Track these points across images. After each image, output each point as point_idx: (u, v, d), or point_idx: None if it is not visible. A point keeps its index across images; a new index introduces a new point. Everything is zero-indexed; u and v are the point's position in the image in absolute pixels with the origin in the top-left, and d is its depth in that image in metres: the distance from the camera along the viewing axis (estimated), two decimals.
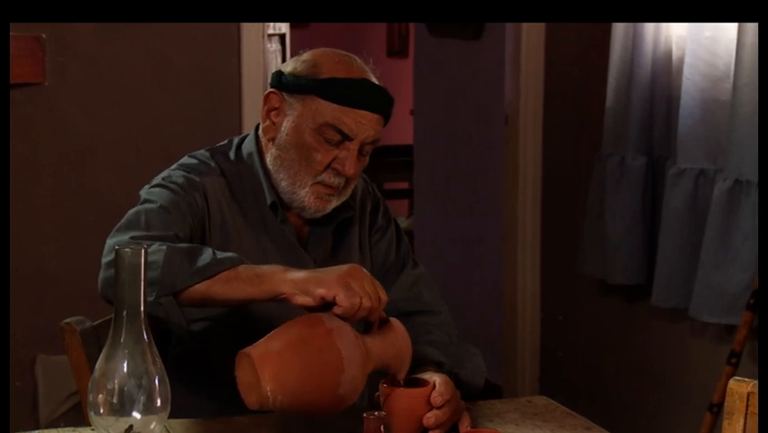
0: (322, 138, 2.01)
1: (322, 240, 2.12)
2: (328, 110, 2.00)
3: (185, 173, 2.04)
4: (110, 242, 1.90)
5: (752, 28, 2.94)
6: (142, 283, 1.50)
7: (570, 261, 3.81)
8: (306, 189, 2.04)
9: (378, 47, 8.13)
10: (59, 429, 1.91)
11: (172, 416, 1.58)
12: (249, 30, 3.69)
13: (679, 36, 3.31)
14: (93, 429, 1.52)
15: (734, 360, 2.93)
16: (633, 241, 3.44)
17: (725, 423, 1.58)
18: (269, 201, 2.07)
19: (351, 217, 2.16)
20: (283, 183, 2.05)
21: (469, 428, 1.90)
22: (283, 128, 2.05)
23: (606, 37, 3.48)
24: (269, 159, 2.08)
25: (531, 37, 4.03)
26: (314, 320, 1.74)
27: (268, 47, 3.91)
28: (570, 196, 3.94)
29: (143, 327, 1.50)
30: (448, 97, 5.02)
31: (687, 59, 3.18)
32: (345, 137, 2.01)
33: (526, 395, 3.64)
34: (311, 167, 2.02)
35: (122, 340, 1.49)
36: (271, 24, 4.01)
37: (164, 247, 1.80)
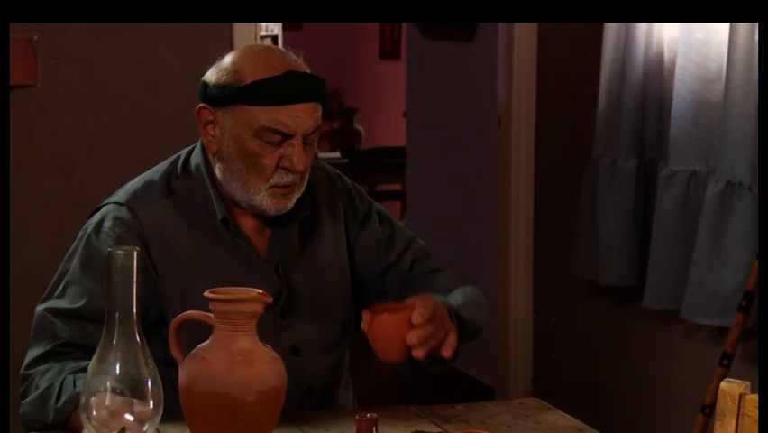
0: (263, 142, 1.97)
1: (283, 241, 2.09)
2: (261, 114, 1.96)
3: (117, 212, 2.03)
4: (23, 364, 1.99)
5: (743, 30, 2.95)
6: (134, 285, 1.49)
7: (562, 262, 3.82)
8: (262, 194, 2.00)
9: (370, 49, 8.13)
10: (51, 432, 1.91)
11: (165, 418, 1.58)
12: (241, 31, 3.68)
13: (670, 38, 3.32)
14: (86, 432, 1.52)
15: (725, 361, 2.93)
16: (625, 243, 3.45)
17: (716, 425, 1.58)
18: (219, 216, 2.04)
19: (316, 216, 2.13)
20: (237, 193, 2.02)
21: (450, 352, 1.90)
22: (222, 140, 2.01)
23: (598, 39, 3.49)
24: (217, 172, 2.04)
25: (523, 39, 4.04)
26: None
27: None
28: (562, 197, 3.94)
29: (136, 330, 1.50)
30: (440, 99, 5.02)
31: (679, 61, 3.18)
32: (285, 136, 1.97)
33: (519, 397, 3.64)
34: (261, 172, 1.99)
35: (114, 342, 1.49)
36: (264, 26, 4.01)
37: (39, 391, 1.91)
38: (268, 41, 4.17)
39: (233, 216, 2.06)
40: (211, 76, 2.03)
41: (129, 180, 2.15)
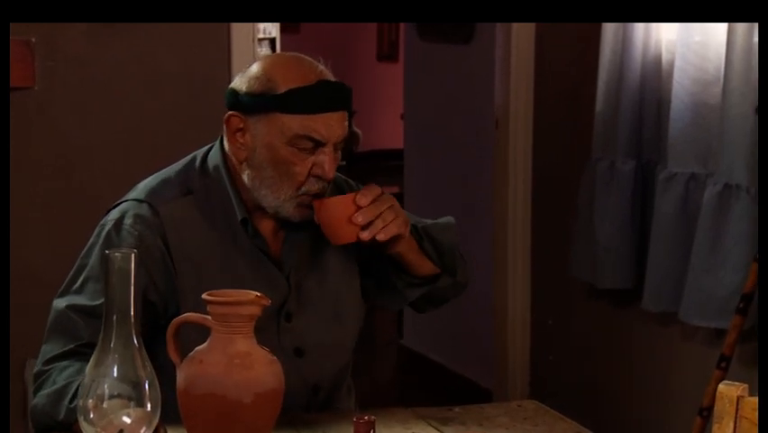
0: (296, 149, 2.00)
1: (296, 244, 2.10)
2: (295, 122, 1.98)
3: (137, 209, 2.03)
4: (39, 360, 1.98)
5: (741, 32, 2.95)
6: (132, 288, 1.49)
7: (560, 265, 3.82)
8: (291, 202, 2.02)
9: (368, 51, 8.13)
10: None
11: (163, 420, 1.58)
12: (239, 33, 3.69)
13: (668, 40, 3.32)
14: None
15: (723, 364, 2.93)
16: (622, 245, 3.45)
17: (714, 427, 1.58)
18: (239, 217, 2.05)
19: None
20: (266, 199, 2.03)
21: (385, 236, 1.96)
22: (254, 148, 2.02)
23: (596, 41, 3.49)
24: (245, 178, 2.05)
25: (521, 41, 4.04)
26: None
27: (258, 51, 3.91)
28: (560, 199, 3.94)
29: (133, 332, 1.50)
30: (438, 101, 5.02)
31: (677, 63, 3.19)
32: (318, 143, 2.00)
33: (517, 399, 3.64)
34: (293, 179, 2.01)
35: (111, 345, 1.49)
36: (262, 28, 4.01)
37: (56, 387, 1.91)
38: (266, 44, 4.17)
39: (252, 219, 2.07)
40: (241, 84, 2.04)
41: (131, 180, 2.16)
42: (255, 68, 2.04)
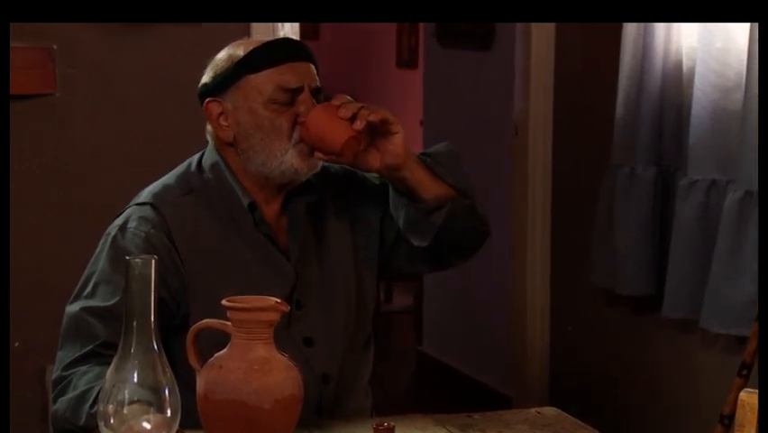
0: (276, 105, 2.05)
1: (300, 231, 2.12)
2: (266, 79, 2.05)
3: (141, 212, 2.07)
4: (56, 366, 1.99)
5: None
6: (153, 293, 1.50)
7: (580, 271, 3.81)
8: (289, 154, 2.05)
9: (387, 58, 8.13)
10: None
11: (185, 425, 1.59)
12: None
13: (689, 47, 3.31)
14: None
15: (744, 371, 2.92)
16: (642, 252, 3.44)
17: None
18: (245, 203, 2.08)
19: (324, 204, 2.17)
20: (266, 165, 2.06)
21: (376, 117, 1.99)
22: (238, 121, 2.07)
23: (616, 47, 3.48)
24: (241, 158, 2.09)
25: (541, 47, 4.03)
26: None
27: None
28: (579, 206, 3.93)
29: (153, 338, 1.50)
30: (458, 108, 5.02)
31: (698, 70, 3.18)
32: (295, 92, 2.05)
33: (536, 406, 3.63)
34: (280, 132, 2.05)
35: (132, 351, 1.50)
36: (281, 35, 4.02)
37: (77, 392, 1.91)
38: None
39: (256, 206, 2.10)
40: (207, 76, 2.13)
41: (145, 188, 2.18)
42: (217, 57, 2.13)
